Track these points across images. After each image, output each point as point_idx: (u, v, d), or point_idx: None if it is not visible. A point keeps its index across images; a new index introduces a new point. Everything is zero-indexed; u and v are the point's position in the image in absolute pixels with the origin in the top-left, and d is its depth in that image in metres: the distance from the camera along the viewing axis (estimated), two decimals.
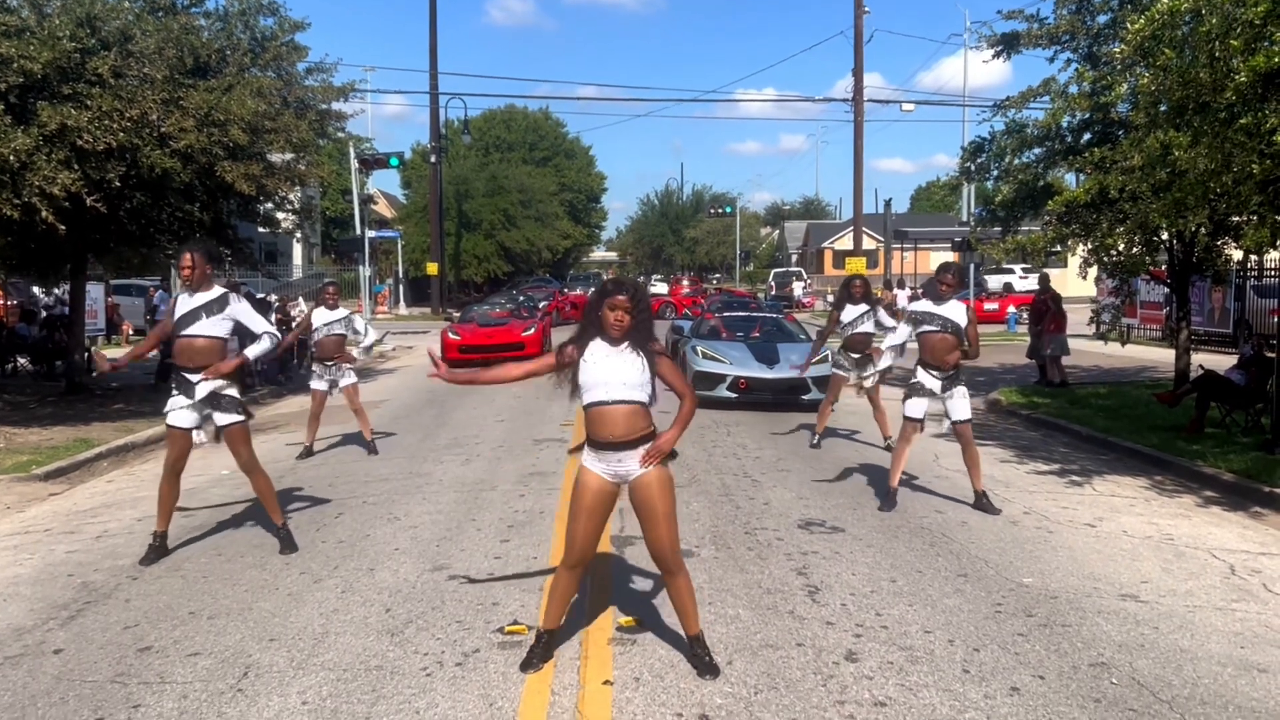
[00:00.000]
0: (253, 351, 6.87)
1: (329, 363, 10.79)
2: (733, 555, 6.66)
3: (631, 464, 4.59)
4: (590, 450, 4.68)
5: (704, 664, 4.68)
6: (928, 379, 8.02)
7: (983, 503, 7.94)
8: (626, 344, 4.57)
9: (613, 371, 4.53)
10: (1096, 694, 4.48)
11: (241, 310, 6.77)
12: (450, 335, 20.94)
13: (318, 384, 10.80)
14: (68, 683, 4.68)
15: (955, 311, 7.97)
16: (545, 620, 4.85)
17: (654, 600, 5.65)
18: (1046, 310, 16.45)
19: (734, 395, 13.79)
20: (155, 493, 6.88)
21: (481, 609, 5.61)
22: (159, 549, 6.72)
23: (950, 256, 29.40)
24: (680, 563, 4.71)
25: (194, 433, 6.74)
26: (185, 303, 6.67)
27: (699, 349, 14.55)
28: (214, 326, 6.67)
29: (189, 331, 6.65)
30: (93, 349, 7.67)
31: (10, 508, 8.57)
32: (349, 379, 10.88)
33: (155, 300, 26.90)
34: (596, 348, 4.61)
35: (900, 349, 8.48)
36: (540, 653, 4.77)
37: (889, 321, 10.44)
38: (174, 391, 6.74)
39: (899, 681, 4.60)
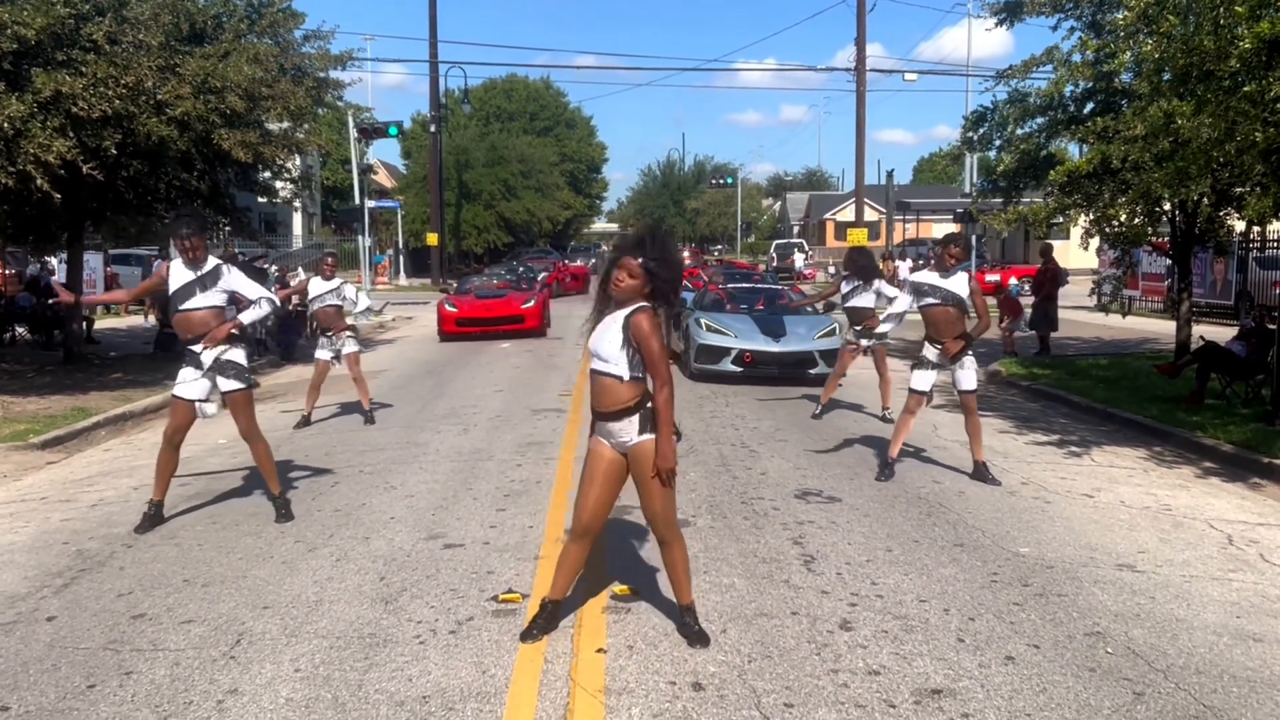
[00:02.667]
0: (247, 316, 6.82)
1: (330, 333, 10.85)
2: (729, 524, 6.65)
3: (621, 435, 4.56)
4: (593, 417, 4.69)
5: (693, 633, 4.67)
6: (932, 352, 7.99)
7: (982, 473, 7.92)
8: (617, 312, 4.52)
9: (596, 341, 4.53)
10: (1091, 663, 4.47)
11: (236, 279, 6.73)
12: (447, 307, 20.59)
13: (322, 353, 10.90)
14: (60, 650, 4.68)
15: (958, 284, 7.90)
16: (551, 590, 4.81)
17: (650, 568, 5.64)
18: (1053, 280, 16.48)
19: (739, 369, 13.44)
20: (153, 461, 6.90)
21: (476, 577, 5.60)
22: (154, 517, 6.72)
23: (953, 227, 29.25)
24: (676, 532, 4.69)
25: (198, 405, 6.72)
26: (180, 276, 6.63)
27: (703, 321, 14.06)
28: (210, 298, 6.65)
29: (186, 305, 6.63)
30: (61, 288, 7.59)
31: (7, 476, 8.56)
32: (351, 347, 10.94)
33: (155, 269, 26.82)
34: (607, 314, 4.58)
35: (900, 318, 8.42)
36: (543, 623, 4.74)
37: (891, 292, 10.38)
38: (185, 364, 6.74)
39: (893, 650, 4.59)
